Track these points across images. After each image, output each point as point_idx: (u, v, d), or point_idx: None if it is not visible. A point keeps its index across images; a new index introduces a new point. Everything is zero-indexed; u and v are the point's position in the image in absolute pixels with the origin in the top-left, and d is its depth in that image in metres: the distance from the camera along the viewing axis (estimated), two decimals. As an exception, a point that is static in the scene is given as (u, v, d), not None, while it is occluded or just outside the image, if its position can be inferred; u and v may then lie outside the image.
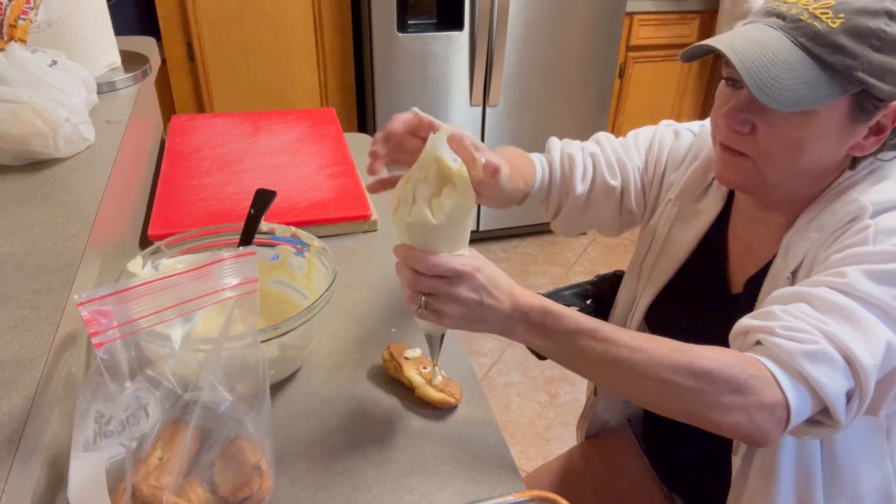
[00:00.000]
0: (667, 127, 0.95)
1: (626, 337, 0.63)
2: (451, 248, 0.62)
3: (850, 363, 0.61)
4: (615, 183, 0.92)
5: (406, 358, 0.80)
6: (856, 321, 0.62)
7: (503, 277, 0.63)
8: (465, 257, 0.62)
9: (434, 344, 0.72)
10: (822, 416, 0.64)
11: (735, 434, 0.62)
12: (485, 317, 0.62)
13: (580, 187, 0.92)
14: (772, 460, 0.75)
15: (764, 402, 0.60)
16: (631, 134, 0.96)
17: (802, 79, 0.65)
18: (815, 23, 0.66)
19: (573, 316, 0.64)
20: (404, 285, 0.64)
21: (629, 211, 0.95)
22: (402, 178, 0.63)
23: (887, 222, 0.66)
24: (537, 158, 0.93)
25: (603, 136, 0.96)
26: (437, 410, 0.77)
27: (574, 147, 0.94)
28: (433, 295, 0.62)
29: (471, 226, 0.64)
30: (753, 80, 0.65)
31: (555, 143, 0.95)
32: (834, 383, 0.60)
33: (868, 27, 0.64)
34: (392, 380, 0.81)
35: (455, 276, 0.60)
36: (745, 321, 0.67)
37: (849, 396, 0.62)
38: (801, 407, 0.61)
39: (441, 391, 0.77)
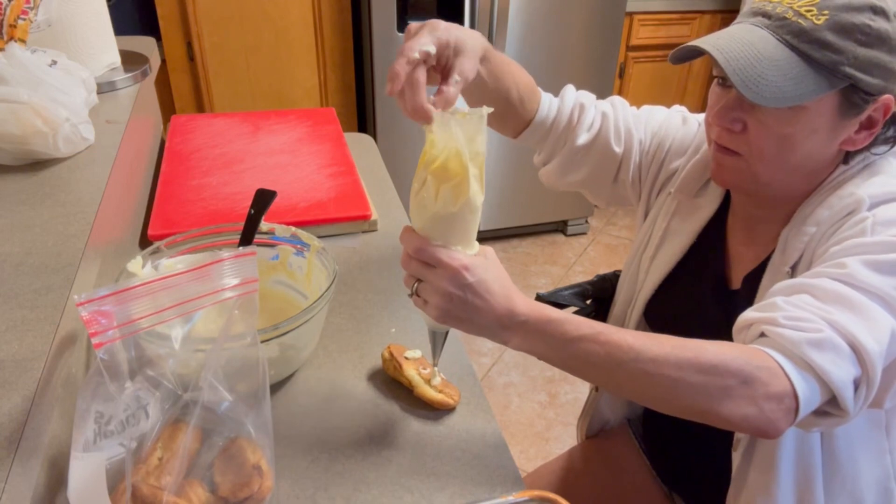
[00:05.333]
0: (677, 112, 0.95)
1: (629, 338, 0.62)
2: (450, 241, 0.61)
3: (856, 350, 0.61)
4: (618, 149, 0.91)
5: (406, 358, 0.80)
6: (858, 309, 0.62)
7: (500, 284, 0.62)
8: (457, 253, 0.61)
9: (437, 342, 0.72)
10: (829, 407, 0.63)
11: (745, 427, 0.62)
12: (471, 318, 0.61)
13: (582, 139, 0.90)
14: (772, 456, 0.75)
15: (772, 392, 0.60)
16: (646, 108, 0.95)
17: (788, 75, 0.66)
18: (799, 20, 0.66)
19: (573, 321, 0.63)
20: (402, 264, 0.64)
21: (623, 183, 0.94)
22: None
23: (885, 214, 0.66)
24: (547, 95, 0.91)
25: (618, 100, 0.94)
26: (437, 411, 0.77)
27: (588, 98, 0.92)
28: (423, 282, 0.62)
29: (475, 224, 0.63)
30: (739, 77, 0.66)
31: (570, 90, 0.93)
32: (840, 371, 0.60)
33: (852, 22, 0.65)
34: (392, 380, 0.81)
35: (440, 267, 0.60)
36: (748, 314, 0.67)
37: (856, 385, 0.62)
38: (808, 396, 0.61)
39: (440, 392, 0.77)
